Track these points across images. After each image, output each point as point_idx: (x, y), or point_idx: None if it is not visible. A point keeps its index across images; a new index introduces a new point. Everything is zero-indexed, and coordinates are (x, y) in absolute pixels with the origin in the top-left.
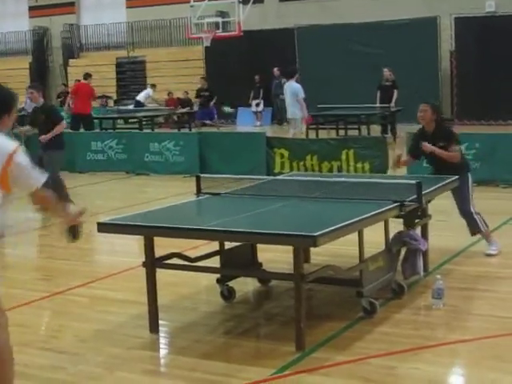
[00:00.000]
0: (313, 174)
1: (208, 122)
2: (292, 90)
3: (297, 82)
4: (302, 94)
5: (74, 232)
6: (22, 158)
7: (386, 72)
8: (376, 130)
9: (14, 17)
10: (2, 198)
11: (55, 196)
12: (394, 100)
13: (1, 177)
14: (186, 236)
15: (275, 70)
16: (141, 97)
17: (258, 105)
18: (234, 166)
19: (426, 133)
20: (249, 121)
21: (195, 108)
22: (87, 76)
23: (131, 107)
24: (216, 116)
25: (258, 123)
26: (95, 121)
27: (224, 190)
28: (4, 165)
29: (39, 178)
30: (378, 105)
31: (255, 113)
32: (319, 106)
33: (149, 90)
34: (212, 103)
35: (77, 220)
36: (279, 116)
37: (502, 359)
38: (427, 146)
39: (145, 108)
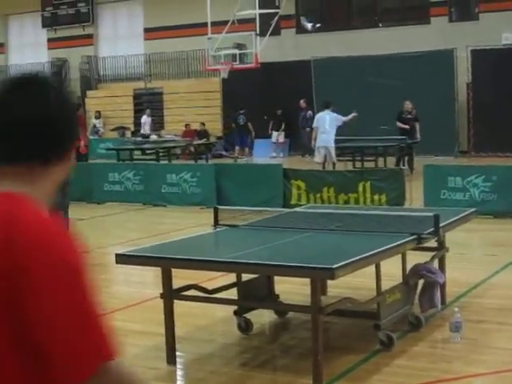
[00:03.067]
0: (330, 207)
1: (224, 153)
2: (332, 118)
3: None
4: (341, 123)
5: None
6: None
7: (408, 105)
8: (392, 161)
9: (32, 48)
10: None
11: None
12: (417, 132)
13: None
14: (203, 268)
15: (301, 102)
16: (145, 129)
17: (279, 136)
18: (251, 198)
19: None
20: (266, 152)
21: (212, 139)
22: (78, 107)
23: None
24: (248, 143)
25: (274, 154)
26: (112, 152)
27: (241, 221)
28: None
29: None
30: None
31: (275, 143)
32: (336, 137)
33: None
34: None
35: None
36: (304, 148)
37: None
38: None
39: (162, 139)
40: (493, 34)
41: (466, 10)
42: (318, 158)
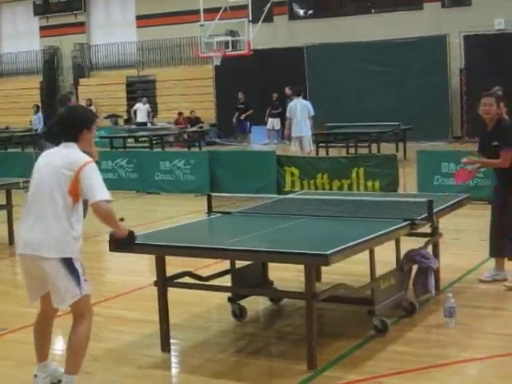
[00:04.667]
0: (323, 193)
1: (217, 140)
2: (303, 106)
3: (304, 99)
4: (313, 112)
5: (116, 243)
6: (91, 171)
7: None
8: (386, 147)
9: (25, 37)
10: (72, 205)
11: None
12: None
13: (72, 186)
14: (197, 255)
15: (287, 89)
16: (142, 116)
17: (274, 123)
18: (245, 185)
19: (485, 130)
20: (261, 139)
21: (205, 126)
22: (89, 102)
23: (133, 127)
24: (248, 130)
25: (267, 141)
26: (106, 139)
27: (235, 208)
28: (75, 175)
29: (99, 193)
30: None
31: (270, 130)
32: (329, 124)
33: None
34: (243, 116)
35: (123, 234)
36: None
37: None
38: (465, 161)
39: (155, 127)
40: (485, 19)
41: None
42: (294, 148)
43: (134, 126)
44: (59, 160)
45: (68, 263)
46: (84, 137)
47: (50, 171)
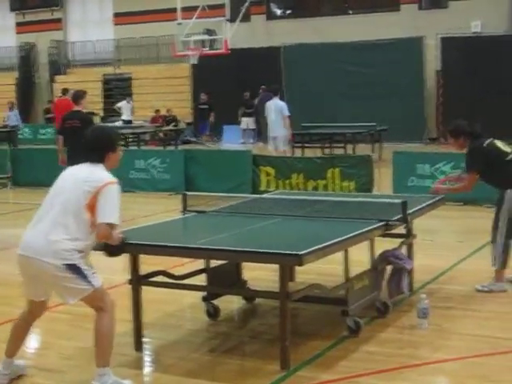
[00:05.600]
0: (298, 193)
1: (193, 139)
2: (277, 107)
3: (281, 99)
4: (287, 112)
5: (110, 249)
6: (110, 192)
7: None
8: (362, 148)
9: (0, 33)
10: (86, 220)
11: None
12: None
13: (90, 201)
14: (171, 254)
15: (260, 88)
16: (128, 115)
17: (248, 122)
18: (220, 184)
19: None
20: (235, 138)
21: (181, 125)
22: (65, 91)
23: (118, 123)
24: (207, 131)
25: (243, 140)
26: None
27: (210, 207)
28: (96, 191)
29: (108, 216)
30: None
31: (244, 130)
32: (305, 124)
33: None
34: (211, 118)
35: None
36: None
37: (486, 379)
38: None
39: (132, 125)
40: (462, 21)
41: None
42: (270, 147)
43: (118, 124)
44: (84, 174)
45: (72, 267)
46: (109, 158)
47: (72, 182)
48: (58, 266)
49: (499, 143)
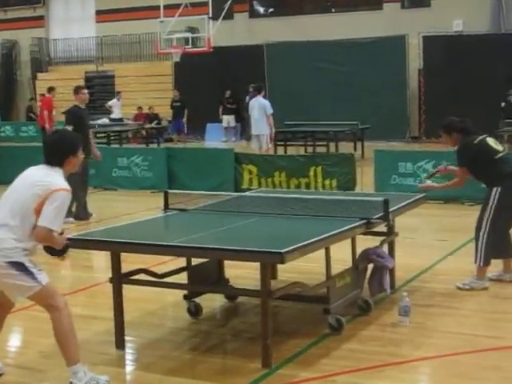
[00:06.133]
0: (281, 191)
1: (175, 137)
2: (260, 105)
3: (264, 98)
4: (270, 110)
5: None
6: (59, 198)
7: None
8: (344, 146)
9: None
10: (35, 223)
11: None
12: None
13: (38, 205)
14: (152, 252)
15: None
16: (117, 113)
17: (229, 120)
18: (203, 182)
19: None
20: (218, 136)
21: (163, 123)
22: (49, 90)
23: (101, 121)
24: (185, 129)
25: (225, 138)
26: None
27: (192, 205)
28: (45, 196)
29: (48, 220)
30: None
31: (226, 128)
32: (287, 122)
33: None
34: (185, 116)
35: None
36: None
37: (466, 376)
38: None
39: (113, 123)
40: (444, 20)
41: None
42: (253, 145)
43: (102, 122)
44: (39, 177)
45: (16, 264)
46: (70, 161)
47: (26, 183)
48: (1, 264)
49: (491, 141)
